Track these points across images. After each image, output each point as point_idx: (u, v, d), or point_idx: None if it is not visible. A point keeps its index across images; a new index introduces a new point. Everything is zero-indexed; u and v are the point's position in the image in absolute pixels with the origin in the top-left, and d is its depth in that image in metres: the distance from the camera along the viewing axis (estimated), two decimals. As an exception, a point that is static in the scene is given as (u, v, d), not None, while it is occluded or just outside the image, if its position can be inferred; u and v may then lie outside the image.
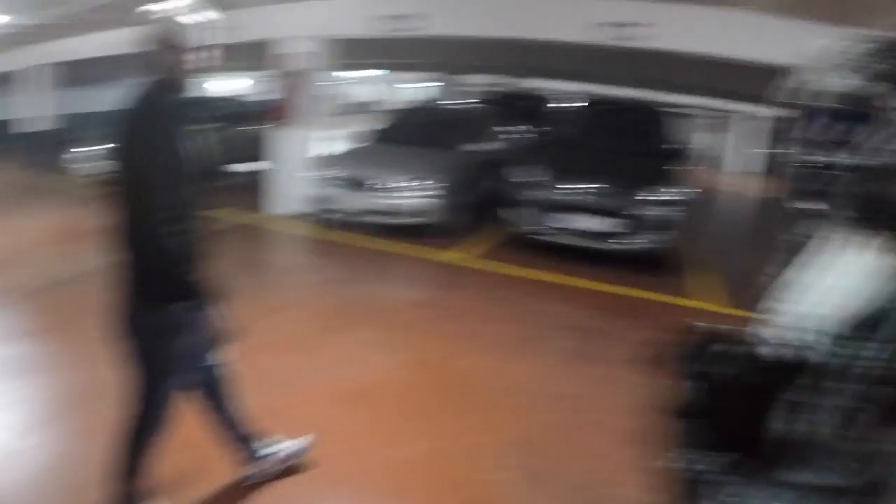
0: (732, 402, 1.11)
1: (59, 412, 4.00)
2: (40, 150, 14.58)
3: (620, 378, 4.56)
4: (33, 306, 5.91)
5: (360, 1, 8.06)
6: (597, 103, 10.40)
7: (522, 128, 12.01)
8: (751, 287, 6.76)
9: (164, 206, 2.30)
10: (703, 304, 6.52)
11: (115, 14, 9.52)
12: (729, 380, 1.12)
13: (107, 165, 2.43)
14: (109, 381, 4.23)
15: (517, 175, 8.08)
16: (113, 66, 15.27)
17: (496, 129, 11.21)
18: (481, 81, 19.78)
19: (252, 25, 8.31)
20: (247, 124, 12.30)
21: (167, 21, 2.37)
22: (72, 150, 11.97)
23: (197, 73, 2.45)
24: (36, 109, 15.24)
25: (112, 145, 2.43)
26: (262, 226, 8.99)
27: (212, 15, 2.44)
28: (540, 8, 7.07)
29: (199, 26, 2.40)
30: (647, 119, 9.11)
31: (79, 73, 14.95)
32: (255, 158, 12.68)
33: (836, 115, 0.95)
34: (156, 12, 2.40)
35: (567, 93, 13.64)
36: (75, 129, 14.41)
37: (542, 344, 5.20)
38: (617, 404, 4.20)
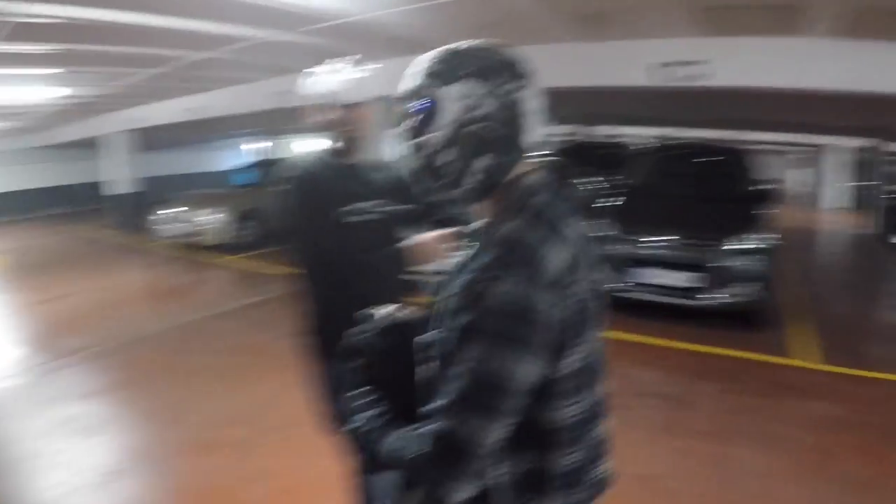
0: (385, 368, 1.39)
1: (111, 476, 4.01)
2: (124, 211, 15.28)
3: (708, 454, 4.05)
4: (109, 363, 6.11)
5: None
6: (672, 148, 9.87)
7: (597, 178, 11.62)
8: (851, 338, 6.10)
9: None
10: (797, 361, 5.86)
11: (181, 83, 9.75)
12: (379, 350, 1.41)
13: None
14: (168, 443, 4.39)
15: (593, 228, 7.60)
16: (188, 131, 16.03)
17: (572, 180, 10.86)
18: (554, 132, 19.64)
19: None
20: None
21: (335, 79, 2.20)
22: (154, 212, 12.44)
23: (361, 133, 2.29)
24: (118, 173, 15.95)
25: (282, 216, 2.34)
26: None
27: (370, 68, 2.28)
28: (598, 54, 6.71)
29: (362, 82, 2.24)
30: (727, 161, 8.50)
31: (156, 138, 15.60)
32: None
33: None
34: (321, 70, 2.24)
35: (643, 138, 13.19)
36: (155, 191, 15.04)
37: (621, 413, 4.64)
38: (707, 487, 3.70)
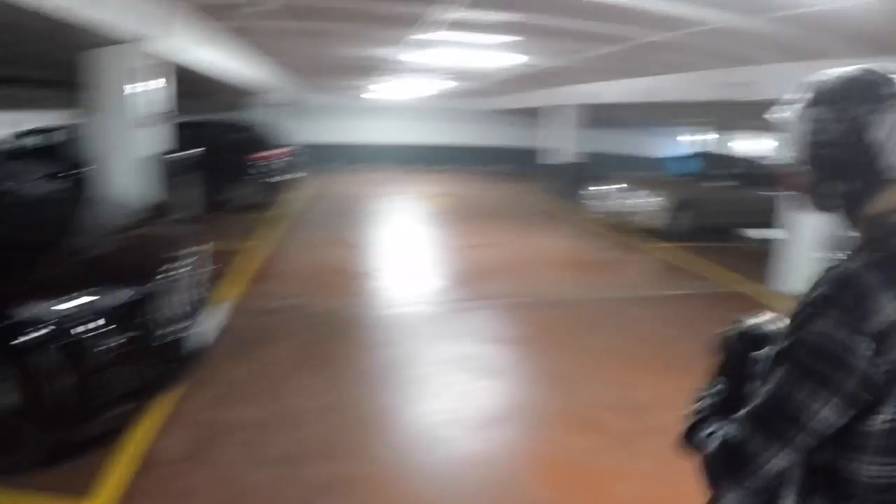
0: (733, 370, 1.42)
1: (487, 420, 4.20)
2: (559, 180, 16.22)
3: None
4: (518, 317, 6.46)
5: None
6: None
7: None
8: None
9: None
10: None
11: (631, 64, 9.76)
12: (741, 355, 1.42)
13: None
14: (550, 409, 4.41)
15: None
16: (631, 113, 16.17)
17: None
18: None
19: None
20: (761, 187, 11.41)
21: None
22: (589, 186, 12.95)
23: None
24: (560, 143, 16.98)
25: None
26: (757, 299, 7.42)
27: None
28: None
29: None
30: None
31: (600, 115, 16.11)
32: (769, 225, 11.67)
33: None
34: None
35: None
36: (593, 166, 15.64)
37: None
38: None
